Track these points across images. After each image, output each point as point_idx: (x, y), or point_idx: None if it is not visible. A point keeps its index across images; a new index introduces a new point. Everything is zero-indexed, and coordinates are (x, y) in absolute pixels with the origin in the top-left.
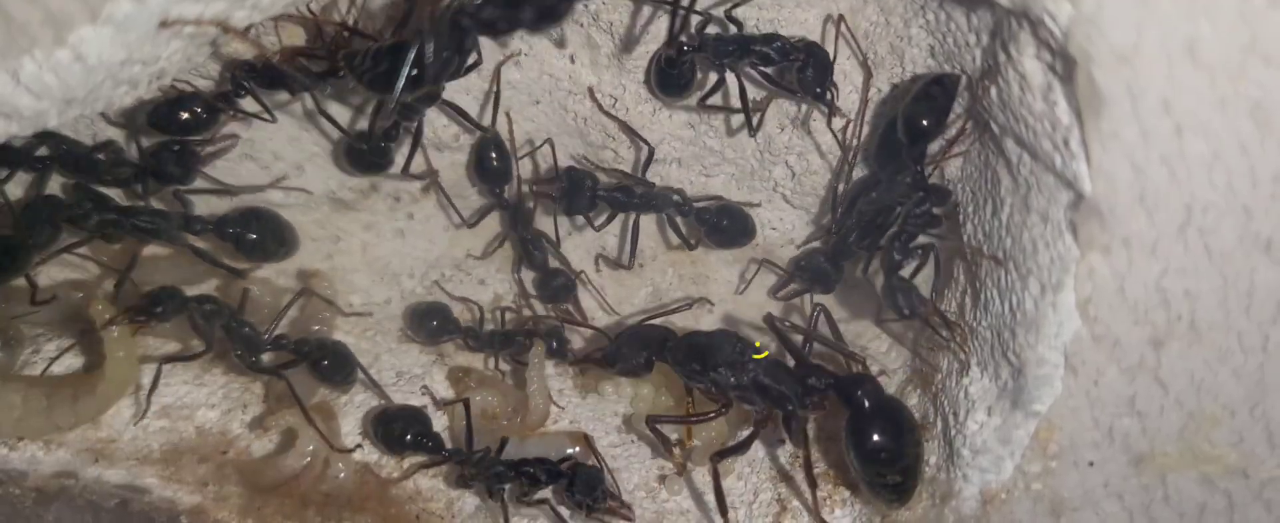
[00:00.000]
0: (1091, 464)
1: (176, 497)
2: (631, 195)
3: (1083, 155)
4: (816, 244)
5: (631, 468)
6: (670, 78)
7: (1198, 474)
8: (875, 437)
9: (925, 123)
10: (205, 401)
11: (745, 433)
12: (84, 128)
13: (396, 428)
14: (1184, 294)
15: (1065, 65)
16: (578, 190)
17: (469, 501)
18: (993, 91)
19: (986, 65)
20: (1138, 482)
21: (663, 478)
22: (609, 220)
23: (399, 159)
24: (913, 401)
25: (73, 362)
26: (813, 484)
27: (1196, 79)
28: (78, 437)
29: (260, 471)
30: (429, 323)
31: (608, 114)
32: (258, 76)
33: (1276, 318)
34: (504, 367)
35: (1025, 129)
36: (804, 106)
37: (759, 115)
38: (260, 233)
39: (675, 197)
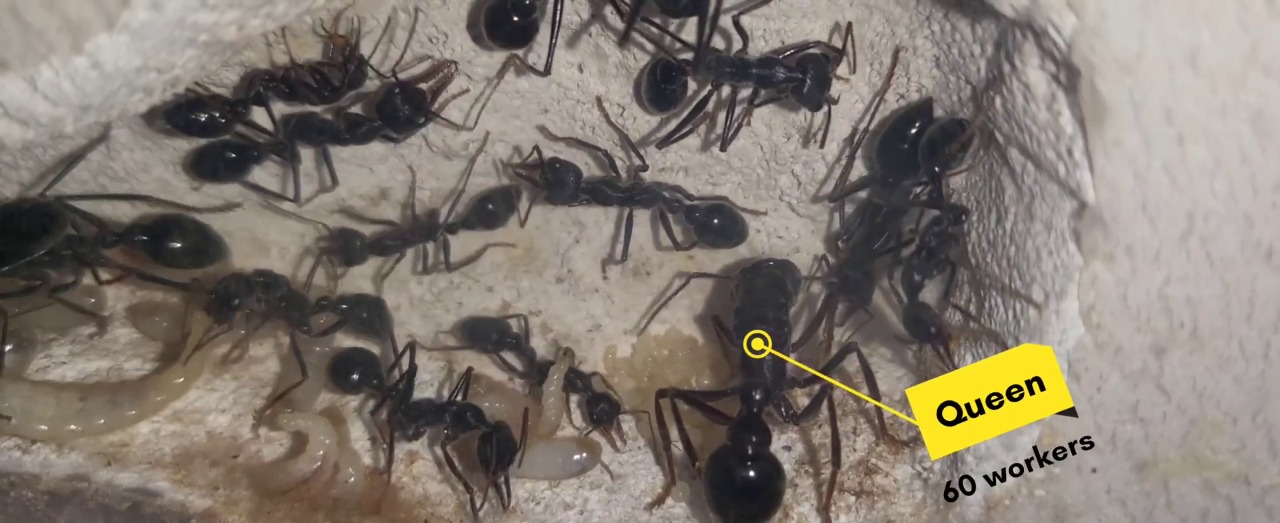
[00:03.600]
0: (1094, 470)
1: (188, 500)
2: (615, 188)
3: (1086, 164)
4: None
5: (638, 475)
6: (662, 93)
7: (1200, 480)
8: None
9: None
10: (216, 405)
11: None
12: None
13: (347, 368)
14: (1186, 302)
15: (1069, 75)
16: (561, 181)
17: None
18: (997, 102)
19: (991, 76)
20: (1140, 488)
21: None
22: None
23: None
24: None
25: (85, 366)
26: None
27: (1198, 88)
28: (90, 441)
29: (270, 474)
30: (490, 335)
31: (612, 124)
32: (278, 87)
33: (1278, 325)
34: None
35: (1029, 138)
36: (809, 117)
37: (737, 128)
38: (183, 241)
39: (665, 192)
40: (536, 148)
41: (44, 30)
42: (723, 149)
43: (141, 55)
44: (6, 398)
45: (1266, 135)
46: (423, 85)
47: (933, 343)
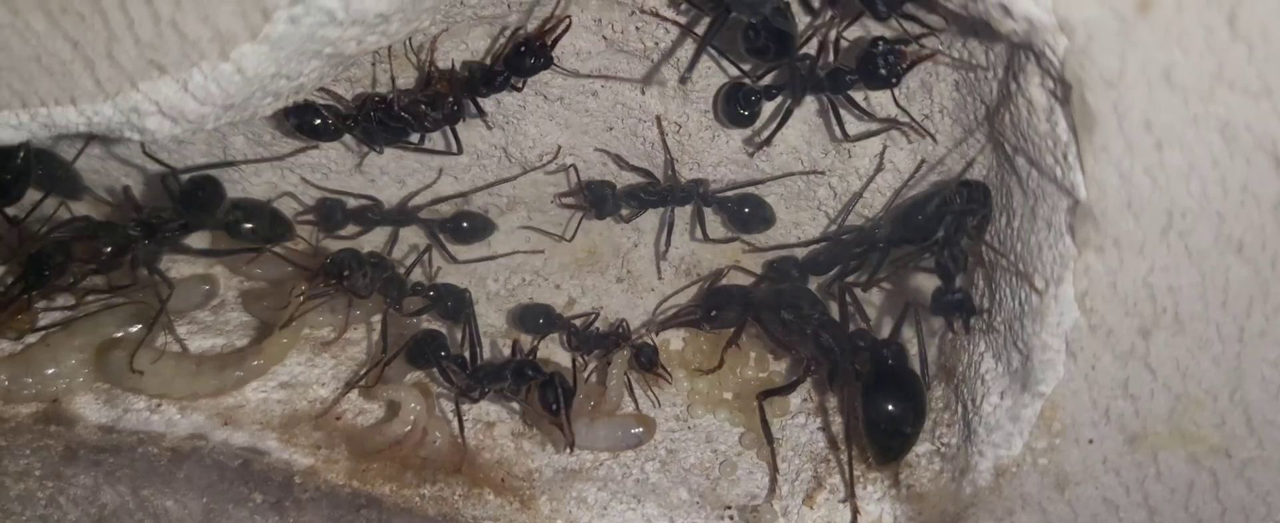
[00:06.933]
0: (1091, 442)
1: (292, 459)
2: (650, 192)
3: (1078, 167)
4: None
5: (687, 450)
6: (739, 115)
7: (1186, 453)
8: (889, 394)
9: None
10: (317, 379)
11: (792, 379)
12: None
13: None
14: (1168, 289)
15: (1063, 89)
16: (601, 198)
17: (547, 468)
18: (1006, 117)
19: (1001, 95)
20: (1132, 459)
21: (722, 463)
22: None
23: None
24: (938, 392)
25: (201, 343)
26: (850, 445)
27: (1173, 101)
28: (210, 403)
29: (367, 437)
30: (536, 320)
31: (663, 144)
32: (385, 111)
33: (1249, 311)
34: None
35: (1032, 147)
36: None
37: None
38: (256, 221)
39: (699, 189)
40: (574, 168)
41: (198, 40)
42: (754, 153)
43: (276, 63)
44: (139, 361)
45: (1233, 143)
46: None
47: (964, 319)
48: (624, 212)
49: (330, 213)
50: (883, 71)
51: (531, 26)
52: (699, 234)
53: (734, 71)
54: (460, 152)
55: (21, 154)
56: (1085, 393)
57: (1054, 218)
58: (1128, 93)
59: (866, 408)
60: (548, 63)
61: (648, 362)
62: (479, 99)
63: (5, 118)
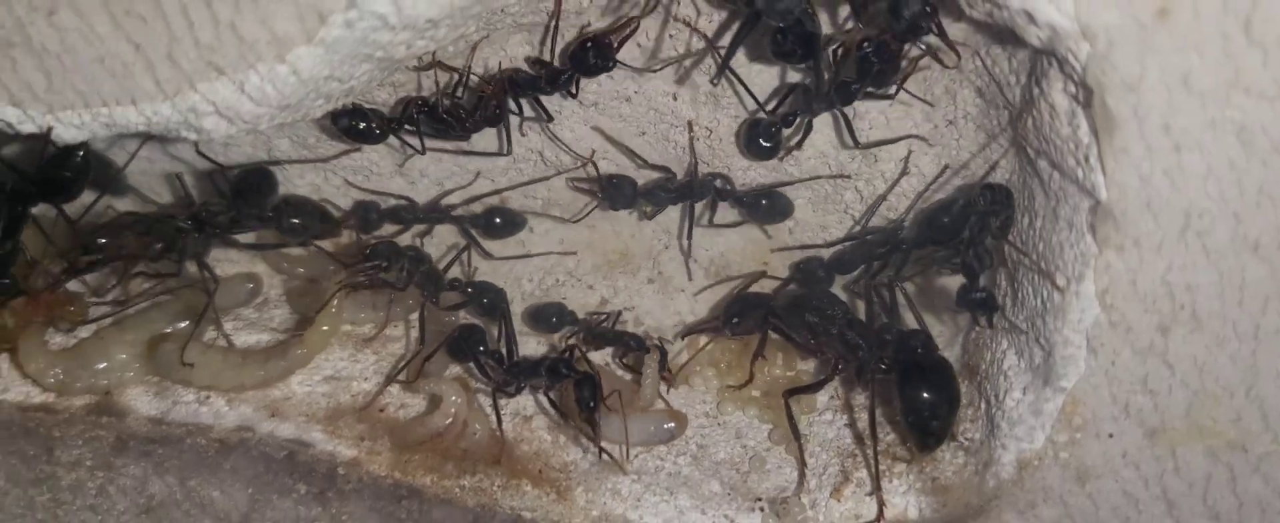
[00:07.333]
0: (1111, 436)
1: (336, 450)
2: (668, 189)
3: (1099, 168)
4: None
5: (717, 446)
6: (763, 148)
7: (1203, 448)
8: (924, 384)
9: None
10: (359, 374)
11: (819, 378)
12: None
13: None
14: (1186, 287)
15: (1085, 94)
16: (618, 191)
17: (583, 461)
18: (1029, 122)
19: (1024, 100)
20: (1151, 453)
21: (752, 458)
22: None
23: None
24: (962, 388)
25: (247, 338)
26: (875, 439)
27: (1190, 105)
28: (258, 395)
29: (409, 429)
30: (549, 318)
31: (691, 147)
32: (427, 113)
33: (1265, 309)
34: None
35: (1054, 150)
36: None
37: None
38: (302, 217)
39: (716, 182)
40: (593, 161)
41: (255, 42)
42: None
43: (330, 66)
44: (188, 354)
45: (1249, 145)
46: (608, 38)
47: (987, 315)
48: (647, 209)
49: (366, 213)
50: (879, 62)
51: (569, 34)
52: (713, 221)
53: (746, 95)
54: (510, 153)
55: (82, 153)
56: (1105, 388)
57: (1075, 218)
58: (1147, 97)
59: (903, 399)
60: (611, 65)
61: (663, 367)
62: (541, 97)
63: (68, 117)
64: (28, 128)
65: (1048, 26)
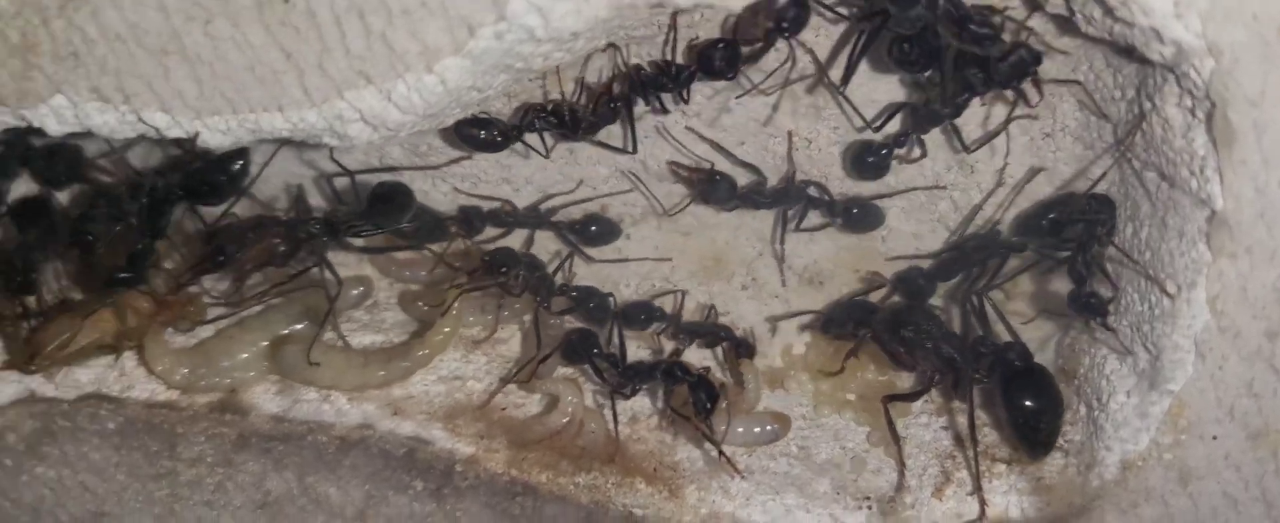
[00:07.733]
0: (1215, 438)
1: (455, 448)
2: (762, 193)
3: (1217, 179)
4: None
5: (818, 447)
6: (872, 168)
7: None
8: (1029, 392)
9: None
10: (473, 374)
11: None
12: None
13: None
14: None
15: (1205, 108)
16: (714, 187)
17: (695, 460)
18: (1137, 135)
19: (1130, 115)
20: (1253, 456)
21: (852, 459)
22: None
23: None
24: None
25: (361, 340)
26: (975, 442)
27: None
28: (380, 393)
29: (527, 428)
30: (639, 317)
31: (789, 157)
32: (546, 118)
33: None
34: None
35: (1166, 162)
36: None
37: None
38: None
39: (810, 190)
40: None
41: (406, 53)
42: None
43: (474, 76)
44: (315, 354)
45: None
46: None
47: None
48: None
49: (469, 218)
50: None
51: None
52: (800, 226)
53: (853, 114)
54: (635, 150)
55: (241, 162)
56: (1211, 391)
57: (1187, 227)
58: (1268, 111)
59: (1008, 410)
60: (732, 75)
61: (747, 356)
62: (663, 94)
63: (215, 123)
64: (175, 132)
65: (1174, 44)
